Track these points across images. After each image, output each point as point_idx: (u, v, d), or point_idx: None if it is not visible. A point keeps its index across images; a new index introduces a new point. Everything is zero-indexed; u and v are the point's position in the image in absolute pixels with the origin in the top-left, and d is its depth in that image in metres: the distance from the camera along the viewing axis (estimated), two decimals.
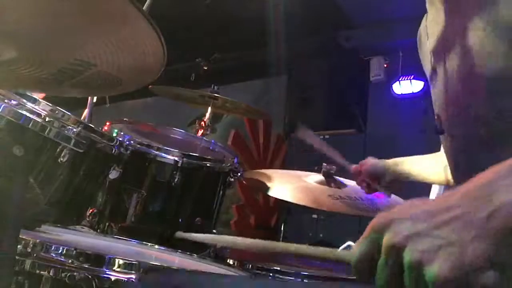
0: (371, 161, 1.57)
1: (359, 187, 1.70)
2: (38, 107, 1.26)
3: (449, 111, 0.92)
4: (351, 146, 4.60)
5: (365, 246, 0.62)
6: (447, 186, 2.00)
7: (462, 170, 0.94)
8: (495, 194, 0.57)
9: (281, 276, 1.41)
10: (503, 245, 0.55)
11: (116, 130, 1.77)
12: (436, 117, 0.97)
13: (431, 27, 0.97)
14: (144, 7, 1.65)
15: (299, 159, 4.65)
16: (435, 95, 0.98)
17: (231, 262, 1.50)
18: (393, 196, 1.61)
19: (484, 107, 0.82)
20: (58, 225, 1.28)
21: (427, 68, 1.02)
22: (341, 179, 1.80)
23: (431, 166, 1.41)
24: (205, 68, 3.75)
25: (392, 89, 4.60)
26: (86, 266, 0.94)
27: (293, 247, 0.74)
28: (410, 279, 0.58)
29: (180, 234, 1.12)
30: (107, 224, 1.70)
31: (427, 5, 0.99)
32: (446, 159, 1.03)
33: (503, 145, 0.81)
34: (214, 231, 1.89)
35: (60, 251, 0.95)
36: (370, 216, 1.65)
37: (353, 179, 1.66)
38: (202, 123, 2.24)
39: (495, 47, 0.78)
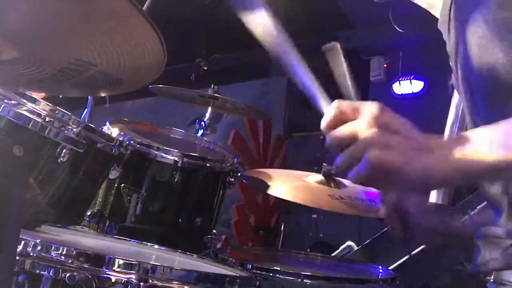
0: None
1: (358, 187, 1.70)
2: (38, 107, 1.26)
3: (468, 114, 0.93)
4: None
5: (347, 129, 0.73)
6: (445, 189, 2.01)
7: None
8: (458, 150, 0.69)
9: (281, 276, 1.41)
10: (431, 184, 0.73)
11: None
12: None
13: (443, 31, 0.98)
14: (144, 7, 1.66)
15: (299, 159, 4.66)
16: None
17: (231, 262, 1.50)
18: None
19: (486, 110, 0.83)
20: (58, 225, 1.28)
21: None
22: (341, 179, 1.80)
23: None
24: (205, 68, 3.75)
25: (392, 89, 4.60)
26: (86, 266, 0.94)
27: None
28: (356, 146, 0.70)
29: None
30: (107, 224, 1.70)
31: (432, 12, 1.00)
32: None
33: None
34: (214, 231, 1.89)
35: (60, 251, 0.95)
36: (370, 216, 1.66)
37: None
38: (202, 123, 2.24)
39: (494, 47, 0.78)
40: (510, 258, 0.85)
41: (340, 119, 0.74)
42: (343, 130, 0.73)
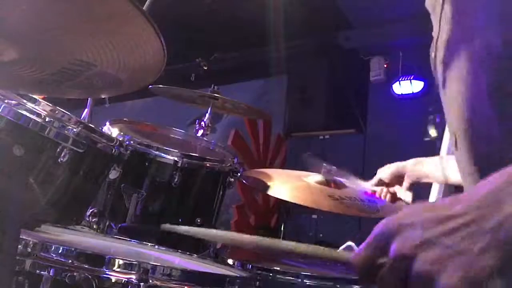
0: (390, 167, 1.55)
1: (359, 187, 1.70)
2: (38, 107, 1.26)
3: (455, 119, 0.92)
4: (351, 146, 4.61)
5: (371, 250, 0.61)
6: (443, 187, 2.00)
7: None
8: (503, 202, 0.56)
9: (281, 276, 1.41)
10: (510, 255, 0.55)
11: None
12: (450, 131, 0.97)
13: (439, 37, 0.98)
14: (144, 7, 1.65)
15: (299, 159, 4.65)
16: (444, 103, 0.99)
17: (231, 262, 1.50)
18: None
19: (487, 113, 0.82)
20: (58, 225, 1.28)
21: (438, 76, 1.02)
22: (341, 179, 1.80)
23: (451, 166, 1.39)
24: (205, 68, 3.75)
25: (392, 89, 4.60)
26: (86, 266, 0.94)
27: (290, 245, 0.73)
28: None
29: (166, 226, 1.12)
30: (107, 224, 1.70)
31: (431, 17, 0.99)
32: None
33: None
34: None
35: (60, 251, 0.95)
36: (370, 216, 1.66)
37: (375, 194, 1.63)
38: (202, 123, 2.24)
39: (492, 49, 0.78)
40: None
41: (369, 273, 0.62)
42: (388, 280, 0.60)
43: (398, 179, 1.53)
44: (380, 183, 1.57)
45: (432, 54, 1.00)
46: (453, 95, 0.91)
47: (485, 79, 0.80)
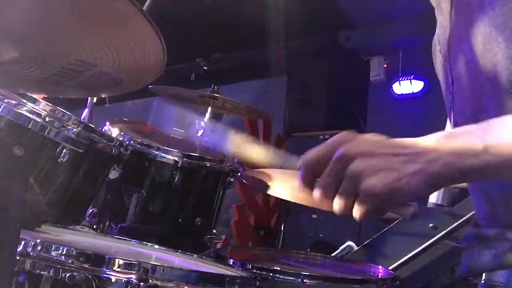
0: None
1: None
2: (38, 107, 1.26)
3: (460, 117, 0.92)
4: None
5: (322, 149, 0.70)
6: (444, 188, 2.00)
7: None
8: (443, 146, 0.68)
9: (281, 276, 1.41)
10: (433, 186, 0.68)
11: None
12: (452, 125, 0.97)
13: (441, 34, 0.97)
14: (144, 7, 1.65)
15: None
16: (447, 101, 0.98)
17: (231, 262, 1.50)
18: None
19: (490, 110, 0.82)
20: (58, 225, 1.28)
21: (440, 75, 1.02)
22: None
23: None
24: (205, 68, 3.75)
25: (392, 89, 4.60)
26: (86, 266, 0.94)
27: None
28: (345, 186, 0.68)
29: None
30: (107, 224, 1.70)
31: (436, 12, 0.99)
32: None
33: None
34: (214, 231, 1.89)
35: (60, 251, 0.95)
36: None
37: None
38: (202, 123, 2.24)
39: (497, 49, 0.78)
40: (500, 258, 0.84)
41: (314, 171, 0.71)
42: (325, 178, 0.70)
43: None
44: None
45: (438, 49, 1.00)
46: (456, 90, 0.90)
47: (488, 74, 0.80)
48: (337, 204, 0.70)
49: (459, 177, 0.68)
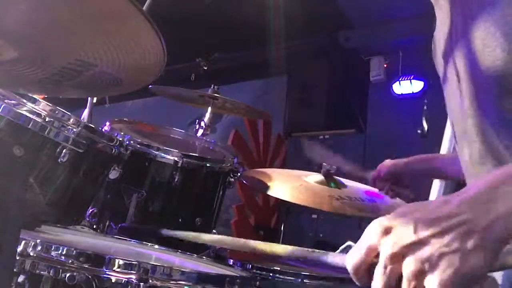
0: (388, 162, 1.54)
1: (359, 188, 1.70)
2: (38, 107, 1.26)
3: (459, 114, 0.91)
4: (351, 146, 4.60)
5: (363, 251, 0.61)
6: (443, 184, 2.00)
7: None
8: (496, 201, 0.57)
9: (281, 276, 1.41)
10: (499, 252, 0.56)
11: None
12: (451, 124, 0.97)
13: (439, 30, 0.97)
14: (144, 7, 1.65)
15: (299, 159, 4.65)
16: (446, 98, 0.98)
17: (231, 262, 1.50)
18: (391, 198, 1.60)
19: (492, 109, 0.82)
20: (58, 225, 1.28)
21: (440, 72, 1.02)
22: (341, 179, 1.80)
23: (453, 163, 1.39)
24: (205, 68, 3.74)
25: (392, 89, 4.60)
26: (86, 266, 0.94)
27: (286, 248, 0.73)
28: None
29: (166, 232, 1.14)
30: (107, 224, 1.70)
31: (435, 10, 0.99)
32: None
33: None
34: (214, 231, 1.89)
35: (60, 251, 0.95)
36: (370, 216, 1.66)
37: (373, 186, 1.62)
38: (202, 123, 2.24)
39: (496, 46, 0.78)
40: (499, 259, 0.84)
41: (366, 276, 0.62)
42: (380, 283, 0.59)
43: (396, 175, 1.52)
44: (379, 178, 1.56)
45: (437, 46, 1.00)
46: (456, 87, 0.90)
47: (487, 70, 0.80)
48: None
49: None
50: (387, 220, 0.61)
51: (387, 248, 0.58)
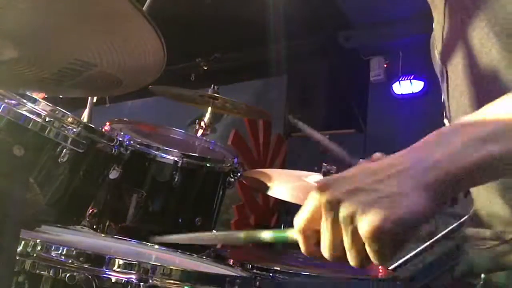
0: (379, 155, 1.54)
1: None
2: (38, 107, 1.26)
3: (456, 113, 0.91)
4: (351, 146, 4.59)
5: (307, 209, 0.61)
6: None
7: None
8: (434, 149, 0.58)
9: (281, 276, 1.41)
10: (439, 196, 0.57)
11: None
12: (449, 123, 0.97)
13: (437, 30, 0.97)
14: (144, 7, 1.66)
15: (299, 159, 4.65)
16: (444, 97, 0.98)
17: (231, 262, 1.50)
18: None
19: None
20: (58, 225, 1.28)
21: (438, 72, 1.02)
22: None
23: None
24: (205, 68, 3.75)
25: (392, 89, 4.60)
26: (86, 266, 0.94)
27: (238, 233, 0.72)
28: (347, 236, 0.57)
29: (157, 239, 1.14)
30: (107, 224, 1.70)
31: (432, 9, 0.99)
32: None
33: None
34: (214, 231, 1.89)
35: (60, 251, 0.95)
36: None
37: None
38: (202, 123, 2.24)
39: (492, 46, 0.78)
40: (499, 259, 0.84)
41: (312, 236, 0.61)
42: (324, 238, 0.59)
43: None
44: None
45: (435, 46, 1.00)
46: (453, 86, 0.90)
47: (484, 70, 0.80)
48: (352, 259, 0.58)
49: (465, 177, 0.57)
50: (331, 176, 0.62)
51: (326, 196, 0.58)
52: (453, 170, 0.57)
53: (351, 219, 0.56)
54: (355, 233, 0.56)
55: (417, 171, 0.57)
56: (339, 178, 0.60)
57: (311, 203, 0.60)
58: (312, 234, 0.61)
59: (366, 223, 0.54)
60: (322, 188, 0.59)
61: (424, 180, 0.56)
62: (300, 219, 0.61)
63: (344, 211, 0.56)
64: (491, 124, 0.60)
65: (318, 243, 0.61)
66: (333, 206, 0.57)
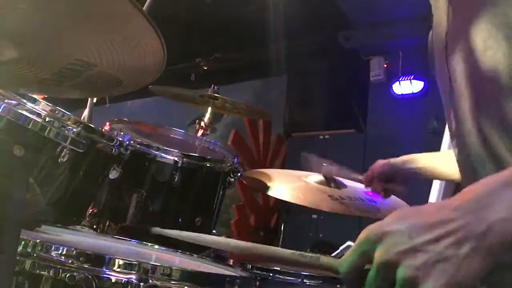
0: (381, 162, 1.54)
1: (358, 188, 1.70)
2: (38, 107, 1.26)
3: (457, 116, 0.91)
4: (351, 146, 4.60)
5: (356, 257, 0.61)
6: (446, 189, 1.99)
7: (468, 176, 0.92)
8: (491, 208, 0.56)
9: (281, 276, 1.41)
10: (497, 261, 0.55)
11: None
12: (448, 124, 0.96)
13: (437, 30, 0.97)
14: (144, 7, 1.65)
15: (299, 159, 4.65)
16: (443, 98, 0.98)
17: (231, 262, 1.50)
18: (393, 197, 1.60)
19: (490, 109, 0.81)
20: (58, 225, 1.28)
21: (437, 73, 1.01)
22: (341, 179, 1.80)
23: (447, 162, 1.38)
24: (205, 68, 3.75)
25: (392, 89, 4.60)
26: (86, 266, 0.94)
27: (278, 251, 0.73)
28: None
29: (156, 229, 1.14)
30: (107, 224, 1.70)
31: (432, 8, 0.98)
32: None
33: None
34: (214, 231, 1.89)
35: (60, 251, 0.95)
36: (370, 216, 1.66)
37: (367, 186, 1.61)
38: (202, 123, 2.24)
39: (498, 47, 0.77)
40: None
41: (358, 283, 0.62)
42: None
43: (388, 175, 1.52)
44: (373, 177, 1.55)
45: (435, 46, 1.00)
46: (455, 88, 0.90)
47: (488, 72, 0.79)
48: None
49: None
50: (381, 226, 0.60)
51: (381, 255, 0.58)
52: None
53: (411, 282, 0.55)
54: None
55: (475, 232, 0.55)
56: (389, 232, 0.58)
57: (363, 251, 0.60)
58: (358, 276, 0.61)
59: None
60: (372, 240, 0.59)
61: (482, 244, 0.54)
62: (349, 262, 0.61)
63: (402, 274, 0.55)
64: None
65: (360, 281, 0.61)
66: (389, 267, 0.57)
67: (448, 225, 0.56)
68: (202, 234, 0.94)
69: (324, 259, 0.68)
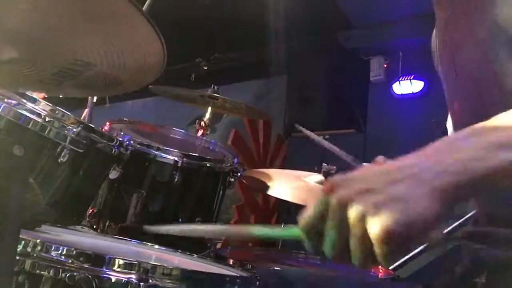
0: (382, 159, 1.53)
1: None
2: (38, 107, 1.26)
3: (461, 113, 0.91)
4: (351, 146, 4.59)
5: (314, 208, 0.61)
6: None
7: None
8: (448, 154, 0.58)
9: (281, 276, 1.41)
10: (452, 202, 0.57)
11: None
12: (452, 123, 0.97)
13: (440, 30, 0.97)
14: (144, 7, 1.65)
15: (299, 159, 4.65)
16: (447, 97, 0.98)
17: (231, 262, 1.50)
18: None
19: (493, 108, 0.82)
20: (58, 225, 1.28)
21: (440, 70, 1.02)
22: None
23: None
24: (205, 68, 3.75)
25: (392, 89, 4.60)
26: (86, 266, 0.94)
27: (248, 228, 0.72)
28: (355, 237, 0.56)
29: (147, 228, 1.13)
30: (107, 224, 1.70)
31: (435, 9, 0.99)
32: None
33: None
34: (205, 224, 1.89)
35: (60, 251, 0.95)
36: None
37: None
38: (202, 123, 2.24)
39: (499, 47, 0.77)
40: (500, 257, 0.84)
41: (317, 234, 0.61)
42: (329, 236, 0.59)
43: None
44: None
45: (438, 46, 1.00)
46: (458, 87, 0.90)
47: (491, 72, 0.80)
48: (357, 260, 0.57)
49: (478, 183, 0.57)
50: (342, 175, 0.61)
51: (336, 196, 0.58)
52: (467, 176, 0.56)
53: (362, 219, 0.55)
54: (363, 234, 0.55)
55: (430, 175, 0.56)
56: (349, 178, 0.59)
57: (319, 201, 0.60)
58: (318, 232, 0.61)
59: (377, 225, 0.54)
60: (331, 186, 0.59)
61: (437, 185, 0.56)
62: (306, 217, 0.62)
63: (355, 210, 0.56)
64: (505, 130, 0.60)
65: (322, 241, 0.60)
66: (343, 205, 0.57)
67: (404, 170, 0.58)
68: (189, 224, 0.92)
69: (287, 226, 0.69)
